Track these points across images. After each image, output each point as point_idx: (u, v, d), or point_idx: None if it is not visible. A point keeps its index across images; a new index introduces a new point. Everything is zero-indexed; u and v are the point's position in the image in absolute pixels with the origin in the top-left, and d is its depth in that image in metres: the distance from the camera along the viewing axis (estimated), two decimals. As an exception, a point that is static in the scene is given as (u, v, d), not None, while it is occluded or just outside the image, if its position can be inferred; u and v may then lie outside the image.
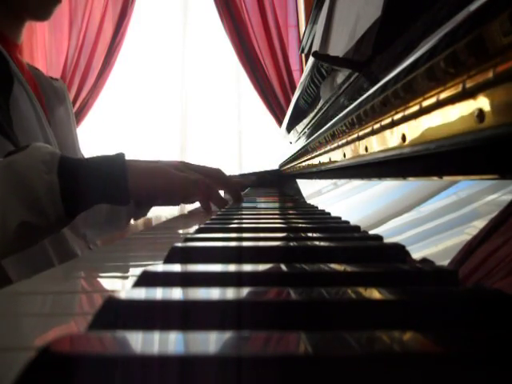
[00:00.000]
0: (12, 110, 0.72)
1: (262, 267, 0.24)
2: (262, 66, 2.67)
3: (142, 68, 2.83)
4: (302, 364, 0.12)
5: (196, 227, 0.45)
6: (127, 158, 0.62)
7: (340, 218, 0.49)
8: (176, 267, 0.24)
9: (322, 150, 0.67)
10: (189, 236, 0.36)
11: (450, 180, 0.29)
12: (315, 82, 0.93)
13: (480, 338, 0.14)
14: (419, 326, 0.15)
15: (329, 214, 0.56)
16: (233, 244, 0.32)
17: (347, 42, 0.51)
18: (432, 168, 0.31)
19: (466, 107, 0.23)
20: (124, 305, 0.17)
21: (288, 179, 1.37)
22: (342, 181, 0.62)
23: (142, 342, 0.13)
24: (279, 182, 1.53)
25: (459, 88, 0.23)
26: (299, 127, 1.14)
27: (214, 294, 0.18)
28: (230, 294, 0.18)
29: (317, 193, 0.82)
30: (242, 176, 1.56)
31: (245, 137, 2.89)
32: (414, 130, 0.31)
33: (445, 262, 0.24)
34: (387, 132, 0.36)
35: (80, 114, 2.66)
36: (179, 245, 0.30)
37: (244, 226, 0.46)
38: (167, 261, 0.28)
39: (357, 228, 0.41)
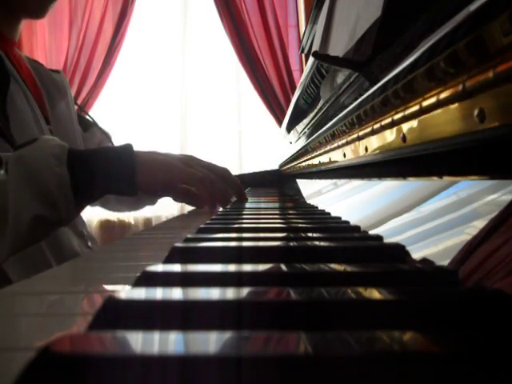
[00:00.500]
0: (8, 109, 0.72)
1: (262, 267, 0.24)
2: (262, 65, 2.67)
3: (142, 68, 2.83)
4: (302, 364, 0.12)
5: (196, 227, 0.45)
6: (134, 149, 0.62)
7: (340, 218, 0.49)
8: (176, 267, 0.24)
9: (322, 150, 0.67)
10: (189, 236, 0.36)
11: (449, 180, 0.29)
12: (315, 82, 0.93)
13: (480, 338, 0.14)
14: (419, 326, 0.15)
15: (329, 213, 0.56)
16: (233, 244, 0.32)
17: (347, 42, 0.51)
18: (432, 168, 0.31)
19: (466, 107, 0.23)
20: (124, 305, 0.17)
21: (288, 179, 1.37)
22: (342, 181, 0.62)
23: (142, 342, 0.13)
24: (279, 182, 1.53)
25: (459, 88, 0.23)
26: (299, 127, 1.14)
27: (213, 294, 0.18)
28: (230, 294, 0.18)
29: (317, 193, 0.82)
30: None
31: (245, 137, 2.89)
32: (414, 130, 0.31)
33: (445, 262, 0.24)
34: (387, 132, 0.36)
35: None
36: (179, 245, 0.30)
37: (244, 226, 0.46)
38: (167, 261, 0.28)
39: (357, 228, 0.41)
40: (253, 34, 2.67)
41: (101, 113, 2.77)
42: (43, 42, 2.66)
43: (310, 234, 0.38)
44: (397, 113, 0.33)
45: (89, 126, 1.01)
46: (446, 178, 0.29)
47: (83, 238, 0.86)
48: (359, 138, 0.44)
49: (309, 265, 0.24)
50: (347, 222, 0.45)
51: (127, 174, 0.59)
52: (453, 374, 0.12)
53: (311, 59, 1.00)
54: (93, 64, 2.67)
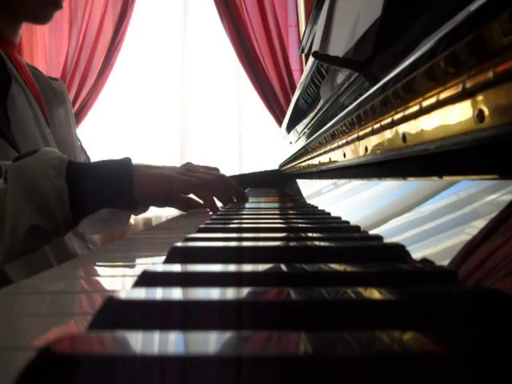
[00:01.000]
0: (9, 111, 0.72)
1: (262, 267, 0.24)
2: (262, 65, 2.67)
3: (142, 68, 2.83)
4: (302, 364, 0.12)
5: (196, 227, 0.45)
6: (131, 160, 0.63)
7: (340, 218, 0.49)
8: (176, 267, 0.24)
9: (322, 150, 0.67)
10: (189, 236, 0.36)
11: (449, 180, 0.29)
12: (315, 82, 0.93)
13: (480, 338, 0.14)
14: (419, 326, 0.15)
15: (329, 214, 0.56)
16: (233, 244, 0.32)
17: (347, 41, 0.51)
18: (432, 168, 0.31)
19: (466, 107, 0.23)
20: (124, 305, 0.17)
21: (288, 179, 1.37)
22: (342, 181, 0.62)
23: (142, 342, 0.13)
24: (279, 182, 1.53)
25: (459, 88, 0.23)
26: (299, 127, 1.14)
27: (213, 293, 0.18)
28: (230, 294, 0.18)
29: (317, 193, 0.82)
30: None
31: (245, 137, 2.89)
32: (414, 130, 0.31)
33: (445, 262, 0.24)
34: (387, 132, 0.36)
35: (80, 114, 2.66)
36: (179, 245, 0.30)
37: (244, 225, 0.46)
38: (167, 261, 0.28)
39: (357, 228, 0.41)
40: (253, 33, 2.67)
41: (101, 113, 2.77)
42: (43, 42, 2.66)
43: (310, 234, 0.38)
44: (397, 113, 0.33)
45: None
46: (446, 178, 0.29)
47: (84, 240, 0.86)
48: (359, 138, 0.44)
49: (309, 265, 0.24)
50: (347, 222, 0.45)
51: (124, 188, 0.60)
52: (453, 374, 0.12)
53: (311, 59, 1.01)
54: (93, 64, 2.67)
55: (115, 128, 2.79)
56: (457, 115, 0.24)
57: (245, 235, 0.38)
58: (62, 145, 0.85)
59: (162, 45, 2.86)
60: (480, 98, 0.22)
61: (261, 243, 0.33)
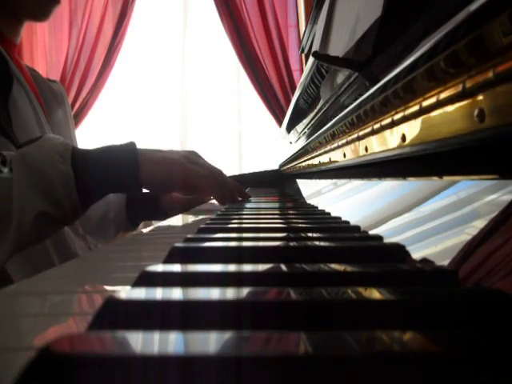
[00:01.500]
0: (11, 110, 0.72)
1: (262, 267, 0.24)
2: (262, 65, 2.67)
3: (141, 68, 2.83)
4: (302, 364, 0.12)
5: (196, 227, 0.45)
6: (135, 144, 0.62)
7: (340, 218, 0.49)
8: (176, 267, 0.24)
9: (322, 150, 0.67)
10: (189, 236, 0.36)
11: (449, 180, 0.29)
12: (315, 82, 0.93)
13: (480, 338, 0.14)
14: (419, 326, 0.15)
15: (329, 214, 0.56)
16: (233, 244, 0.32)
17: (347, 41, 0.51)
18: (432, 168, 0.31)
19: (466, 107, 0.23)
20: (124, 305, 0.17)
21: (288, 179, 1.37)
22: (342, 181, 0.62)
23: (142, 342, 0.13)
24: (279, 182, 1.53)
25: (459, 88, 0.23)
26: (299, 127, 1.14)
27: (213, 293, 0.18)
28: (230, 294, 0.18)
29: (317, 193, 0.82)
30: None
31: (245, 137, 2.89)
32: (413, 130, 0.31)
33: (445, 262, 0.24)
34: (387, 132, 0.36)
35: (80, 114, 2.66)
36: (179, 245, 0.30)
37: (244, 226, 0.46)
38: (167, 261, 0.28)
39: (357, 228, 0.41)
40: (253, 33, 2.67)
41: (101, 113, 2.77)
42: (43, 42, 2.67)
43: (310, 234, 0.38)
44: (397, 113, 0.33)
45: None
46: (446, 178, 0.29)
47: (85, 240, 0.86)
48: (359, 138, 0.44)
49: (309, 265, 0.24)
50: (347, 222, 0.45)
51: (130, 172, 0.59)
52: (453, 374, 0.12)
53: (311, 59, 1.01)
54: (93, 64, 2.67)
55: (115, 128, 2.79)
56: (457, 115, 0.24)
57: (245, 235, 0.38)
58: None
59: (162, 45, 2.86)
60: (480, 98, 0.22)
61: (261, 243, 0.33)
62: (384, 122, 0.36)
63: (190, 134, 2.89)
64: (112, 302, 0.17)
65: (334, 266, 0.24)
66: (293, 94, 2.47)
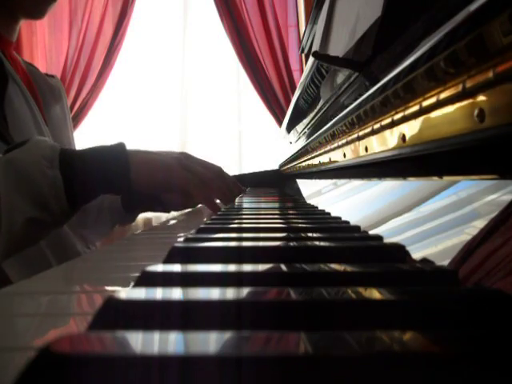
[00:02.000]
0: (7, 111, 0.71)
1: (262, 267, 0.24)
2: (262, 65, 2.67)
3: (141, 68, 2.83)
4: (302, 364, 0.12)
5: (196, 227, 0.45)
6: (127, 147, 0.62)
7: (340, 218, 0.49)
8: (176, 267, 0.24)
9: (322, 150, 0.67)
10: (189, 236, 0.36)
11: (449, 180, 0.29)
12: (315, 82, 0.93)
13: (480, 338, 0.14)
14: (419, 326, 0.15)
15: (329, 214, 0.56)
16: (233, 244, 0.32)
17: (347, 41, 0.51)
18: (432, 168, 0.31)
19: (466, 107, 0.23)
20: (124, 305, 0.17)
21: (288, 179, 1.37)
22: (342, 181, 0.62)
23: (142, 342, 0.13)
24: (279, 182, 1.53)
25: (459, 88, 0.23)
26: (299, 127, 1.14)
27: (213, 293, 0.18)
28: (230, 293, 0.18)
29: (317, 193, 0.82)
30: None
31: (245, 137, 2.89)
32: (414, 130, 0.31)
33: (445, 262, 0.24)
34: (387, 132, 0.36)
35: (80, 114, 2.66)
36: (179, 245, 0.30)
37: (244, 226, 0.46)
38: (167, 261, 0.28)
39: (357, 228, 0.41)
40: (253, 33, 2.67)
41: (101, 113, 2.77)
42: (43, 42, 2.66)
43: (310, 234, 0.38)
44: (397, 113, 0.33)
45: None
46: (446, 178, 0.29)
47: (83, 240, 0.86)
48: (359, 138, 0.44)
49: (309, 265, 0.24)
50: (347, 222, 0.45)
51: (121, 173, 0.59)
52: (453, 374, 0.12)
53: (311, 59, 1.01)
54: (93, 64, 2.67)
55: (115, 128, 2.79)
56: (457, 115, 0.24)
57: (245, 235, 0.38)
58: (58, 141, 0.84)
59: (162, 45, 2.86)
60: (480, 97, 0.22)
61: (261, 243, 0.33)
62: (384, 122, 0.36)
63: (189, 133, 2.89)
64: (112, 302, 0.17)
65: (334, 265, 0.24)
66: (293, 93, 2.47)
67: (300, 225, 0.46)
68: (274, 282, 0.22)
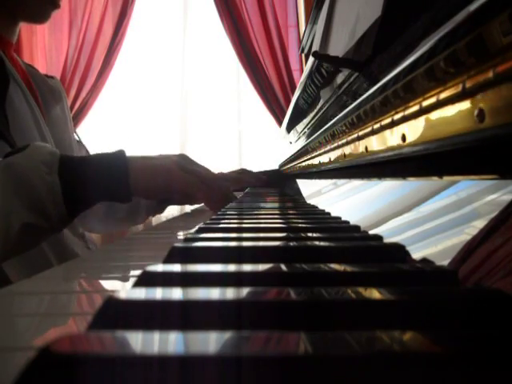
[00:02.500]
0: (8, 111, 0.71)
1: (262, 267, 0.24)
2: (262, 65, 2.67)
3: (141, 68, 2.83)
4: (302, 364, 0.12)
5: (196, 227, 0.45)
6: (127, 154, 0.62)
7: (340, 218, 0.49)
8: (176, 267, 0.24)
9: (322, 150, 0.67)
10: (189, 236, 0.36)
11: (449, 180, 0.29)
12: (315, 82, 0.93)
13: (480, 338, 0.14)
14: (419, 326, 0.15)
15: (329, 213, 0.56)
16: (233, 244, 0.32)
17: (347, 41, 0.51)
18: (432, 168, 0.31)
19: (466, 107, 0.23)
20: (124, 305, 0.17)
21: (288, 179, 1.37)
22: (342, 181, 0.62)
23: (142, 342, 0.13)
24: (279, 182, 1.53)
25: (459, 88, 0.23)
26: (299, 127, 1.14)
27: (214, 293, 0.18)
28: (230, 293, 0.18)
29: (317, 193, 0.82)
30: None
31: (245, 137, 2.89)
32: (413, 129, 0.31)
33: (445, 262, 0.24)
34: (387, 132, 0.36)
35: (80, 114, 2.66)
36: (179, 245, 0.30)
37: (244, 225, 0.46)
38: (167, 261, 0.28)
39: (357, 228, 0.41)
40: (253, 33, 2.67)
41: (101, 113, 2.77)
42: (43, 42, 2.67)
43: (309, 234, 0.38)
44: (397, 113, 0.33)
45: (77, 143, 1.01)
46: (446, 178, 0.29)
47: (84, 240, 0.86)
48: (359, 138, 0.44)
49: (309, 265, 0.24)
50: (347, 222, 0.45)
51: (120, 180, 0.59)
52: (453, 374, 0.12)
53: (311, 59, 1.01)
54: (93, 64, 2.67)
55: (115, 128, 2.79)
56: (457, 115, 0.24)
57: (245, 235, 0.38)
58: (59, 142, 0.85)
59: (162, 45, 2.86)
60: (480, 97, 0.22)
61: (261, 243, 0.33)
62: (384, 122, 0.36)
63: (189, 133, 2.89)
64: (112, 302, 0.17)
65: (334, 265, 0.24)
66: (293, 94, 2.47)
67: (300, 225, 0.46)
68: (273, 281, 0.22)
